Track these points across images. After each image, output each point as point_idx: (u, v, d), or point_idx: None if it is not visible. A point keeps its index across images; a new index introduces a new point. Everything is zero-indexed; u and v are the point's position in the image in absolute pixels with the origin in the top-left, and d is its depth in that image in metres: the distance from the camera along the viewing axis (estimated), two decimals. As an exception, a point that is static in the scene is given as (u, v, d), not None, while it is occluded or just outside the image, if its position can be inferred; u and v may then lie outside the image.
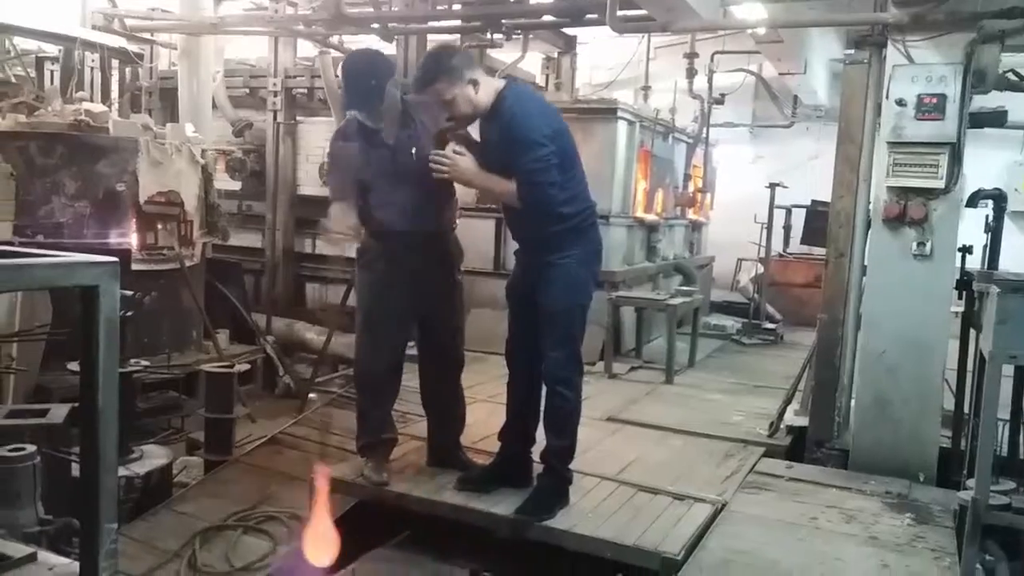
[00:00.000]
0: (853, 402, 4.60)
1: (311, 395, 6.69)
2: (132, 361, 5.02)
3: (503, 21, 6.76)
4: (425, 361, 4.09)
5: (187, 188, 6.79)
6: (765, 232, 8.59)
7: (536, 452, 3.86)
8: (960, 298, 4.29)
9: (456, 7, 7.07)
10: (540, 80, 8.99)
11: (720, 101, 9.30)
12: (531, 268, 3.67)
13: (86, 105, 6.34)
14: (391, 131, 3.81)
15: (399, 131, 3.82)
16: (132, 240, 6.46)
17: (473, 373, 5.47)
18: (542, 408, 3.77)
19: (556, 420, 3.66)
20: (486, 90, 3.53)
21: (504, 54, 7.64)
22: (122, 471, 4.50)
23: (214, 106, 8.21)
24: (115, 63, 7.70)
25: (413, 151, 3.80)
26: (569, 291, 3.56)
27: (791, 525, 3.68)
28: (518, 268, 3.82)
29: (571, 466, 3.82)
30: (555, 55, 8.90)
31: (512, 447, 3.89)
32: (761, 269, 8.84)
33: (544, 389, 3.69)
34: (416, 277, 3.85)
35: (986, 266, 4.36)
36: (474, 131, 3.71)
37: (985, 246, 4.47)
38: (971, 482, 3.42)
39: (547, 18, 7.05)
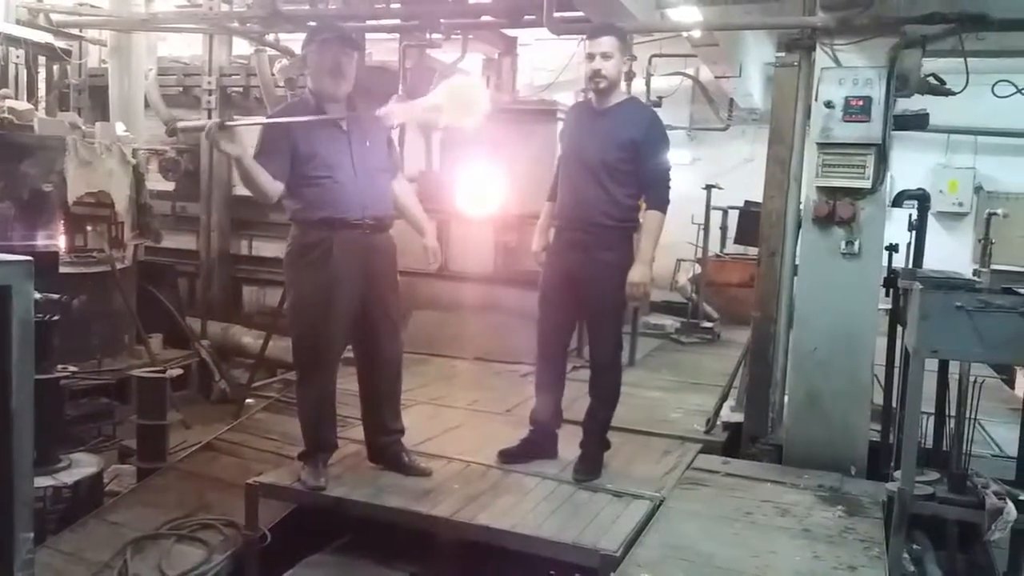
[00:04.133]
0: (786, 398, 4.70)
1: (248, 400, 6.58)
2: (60, 367, 4.87)
3: (441, 20, 6.74)
4: (363, 363, 4.02)
5: (118, 189, 6.63)
6: (702, 233, 8.74)
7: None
8: (887, 295, 4.42)
9: (394, 6, 7.02)
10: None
11: (658, 104, 9.38)
12: (583, 264, 3.95)
13: (9, 102, 6.14)
14: (343, 112, 3.74)
15: (348, 114, 3.76)
16: (60, 242, 6.28)
17: (415, 375, 5.45)
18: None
19: (605, 394, 4.12)
20: (621, 79, 4.04)
21: (444, 54, 7.61)
22: (49, 480, 4.36)
23: (146, 105, 8.02)
24: (42, 59, 7.47)
25: (367, 141, 3.77)
26: (619, 287, 3.88)
27: (727, 520, 3.74)
28: (561, 263, 4.04)
29: (509, 466, 4.15)
30: (496, 56, 8.91)
31: (546, 424, 4.25)
32: (699, 269, 8.98)
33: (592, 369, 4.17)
34: (364, 272, 3.76)
35: (911, 264, 4.50)
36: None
37: (909, 245, 4.61)
38: (898, 474, 3.54)
39: (485, 18, 7.05)
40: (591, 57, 3.90)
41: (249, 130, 3.74)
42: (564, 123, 4.20)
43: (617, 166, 3.88)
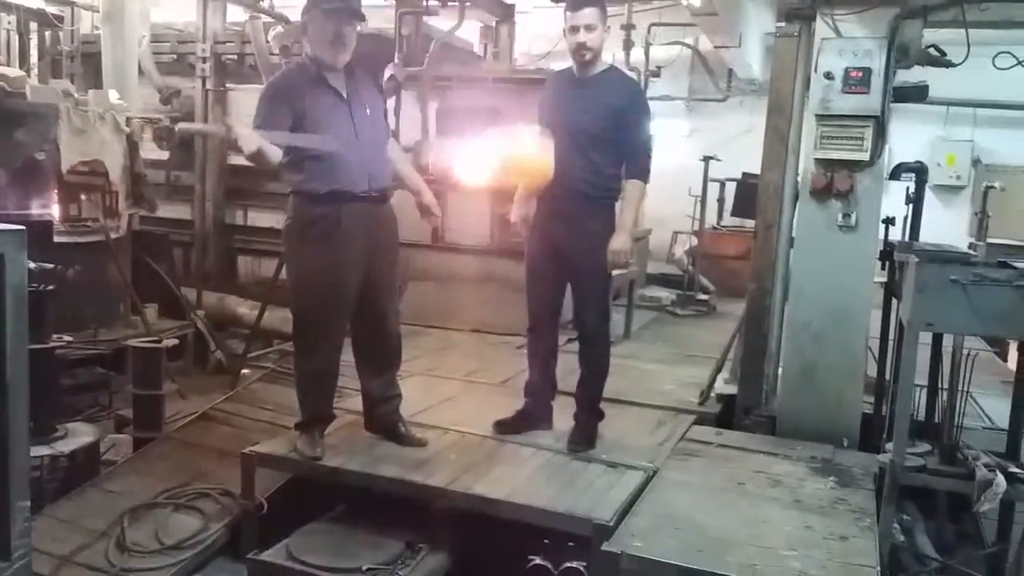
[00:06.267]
0: (780, 370, 4.71)
1: (244, 370, 6.59)
2: (55, 337, 4.86)
3: (438, -12, 6.68)
4: (366, 334, 3.99)
5: (112, 157, 6.59)
6: (699, 205, 8.72)
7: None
8: (883, 268, 4.42)
9: (391, -27, 6.95)
10: (478, 49, 8.90)
11: (656, 74, 9.34)
12: (567, 234, 3.96)
13: (1, 69, 6.08)
14: (341, 81, 3.72)
15: (347, 82, 3.73)
16: (54, 211, 6.25)
17: (411, 347, 5.45)
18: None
19: (595, 363, 4.16)
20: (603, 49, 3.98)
21: (441, 21, 7.55)
22: (46, 450, 4.38)
23: (140, 72, 7.94)
24: (33, 26, 7.39)
25: (368, 109, 3.75)
26: (604, 256, 3.90)
27: (719, 490, 3.77)
28: (545, 234, 4.04)
29: (504, 436, 4.19)
30: (493, 24, 8.82)
31: (541, 395, 4.31)
32: (695, 241, 8.97)
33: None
34: (369, 245, 3.75)
35: (907, 237, 4.49)
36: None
37: (906, 218, 4.60)
38: (890, 445, 3.56)
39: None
40: (575, 30, 3.86)
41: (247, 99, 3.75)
42: (544, 92, 4.16)
43: (600, 136, 3.87)
